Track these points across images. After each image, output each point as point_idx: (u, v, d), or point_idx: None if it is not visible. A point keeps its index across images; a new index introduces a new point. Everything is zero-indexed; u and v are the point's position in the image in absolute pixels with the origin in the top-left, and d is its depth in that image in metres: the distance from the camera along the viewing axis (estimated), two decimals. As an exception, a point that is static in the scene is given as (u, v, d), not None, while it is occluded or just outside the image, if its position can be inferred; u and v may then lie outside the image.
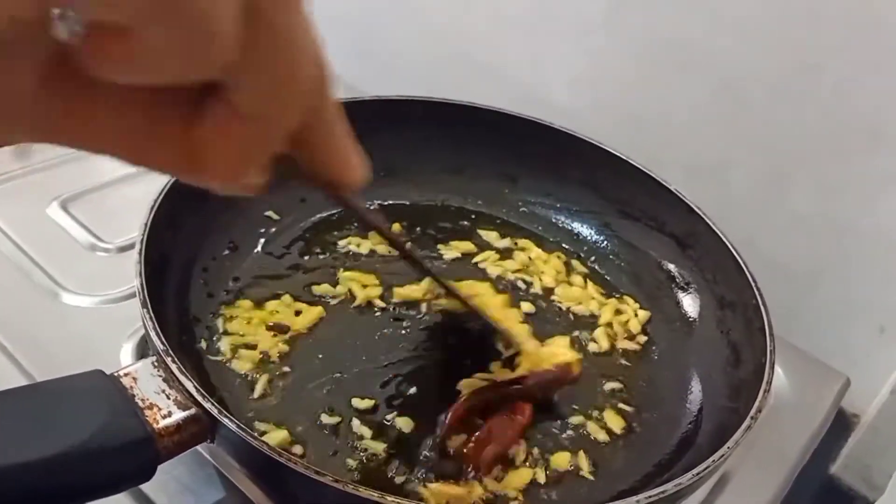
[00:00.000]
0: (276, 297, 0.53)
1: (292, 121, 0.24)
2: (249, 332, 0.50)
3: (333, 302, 0.54)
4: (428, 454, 0.45)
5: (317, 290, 0.54)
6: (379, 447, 0.45)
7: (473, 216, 0.64)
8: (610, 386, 0.52)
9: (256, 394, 0.46)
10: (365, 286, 0.55)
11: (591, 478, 0.46)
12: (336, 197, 0.33)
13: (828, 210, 0.65)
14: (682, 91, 0.70)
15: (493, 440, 0.45)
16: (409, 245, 0.42)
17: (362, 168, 0.28)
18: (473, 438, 0.45)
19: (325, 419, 0.46)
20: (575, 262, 0.61)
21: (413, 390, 0.48)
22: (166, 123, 0.22)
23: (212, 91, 0.22)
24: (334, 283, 0.55)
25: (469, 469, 0.44)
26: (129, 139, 0.22)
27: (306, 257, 0.57)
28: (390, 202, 0.63)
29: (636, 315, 0.57)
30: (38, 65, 0.19)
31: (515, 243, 0.62)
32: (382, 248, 0.59)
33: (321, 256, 0.57)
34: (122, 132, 0.22)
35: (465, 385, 0.48)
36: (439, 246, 0.60)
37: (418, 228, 0.61)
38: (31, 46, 0.19)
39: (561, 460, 0.46)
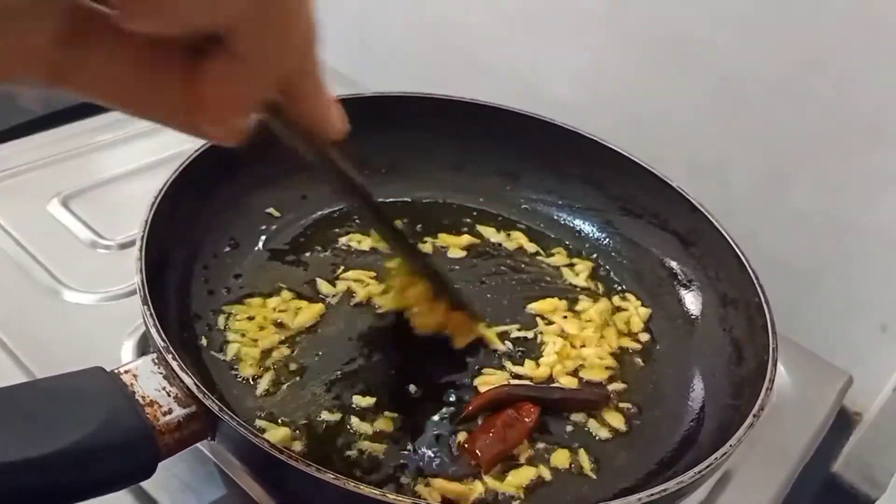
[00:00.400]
0: (277, 294, 0.53)
1: (284, 68, 0.27)
2: (250, 329, 0.50)
3: (334, 300, 0.53)
4: (429, 451, 0.45)
5: (317, 287, 0.54)
6: (380, 445, 0.45)
7: (475, 213, 0.63)
8: (612, 384, 0.52)
9: (258, 391, 0.46)
10: (366, 284, 0.55)
11: (592, 476, 0.46)
12: (315, 148, 0.35)
13: (829, 208, 0.65)
14: (683, 88, 0.69)
15: (499, 439, 0.45)
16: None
17: (341, 119, 0.31)
18: (479, 435, 0.45)
19: (326, 416, 0.46)
20: (577, 260, 0.61)
21: (413, 388, 0.48)
22: (168, 73, 0.25)
23: (212, 41, 0.24)
24: (334, 281, 0.55)
25: (472, 465, 0.44)
26: (133, 89, 0.25)
27: (307, 254, 0.57)
28: (391, 199, 0.62)
29: (638, 312, 0.57)
30: (54, 22, 0.21)
31: (509, 235, 0.62)
32: (384, 245, 0.58)
33: (322, 254, 0.57)
34: (127, 83, 0.25)
35: (485, 382, 0.49)
36: (440, 236, 0.61)
37: (419, 226, 0.61)
38: (51, 7, 0.22)
39: (562, 458, 0.46)
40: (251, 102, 0.27)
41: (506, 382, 0.49)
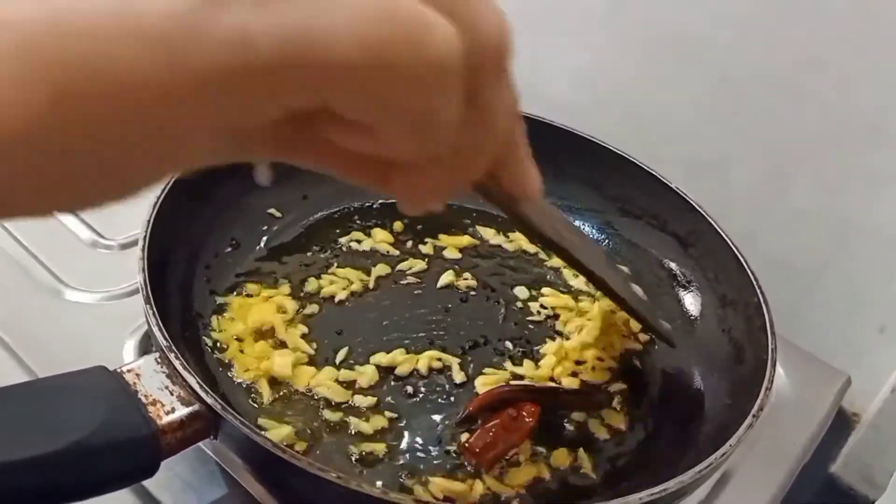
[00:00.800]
0: (278, 294, 0.53)
1: (486, 165, 0.27)
2: (251, 327, 0.50)
3: (337, 297, 0.54)
4: (430, 451, 0.45)
5: (310, 286, 0.54)
6: (380, 445, 0.45)
7: (474, 214, 0.64)
8: (613, 384, 0.52)
9: (260, 390, 0.47)
10: (349, 284, 0.55)
11: (593, 475, 0.46)
12: (513, 210, 0.36)
13: (829, 208, 0.65)
14: (683, 88, 0.70)
15: (500, 439, 0.45)
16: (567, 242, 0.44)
17: (539, 182, 0.32)
18: (480, 435, 0.45)
19: (328, 416, 0.46)
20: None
21: (411, 388, 0.49)
22: (378, 162, 0.26)
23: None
24: (331, 280, 0.55)
25: (472, 464, 0.44)
26: (345, 169, 0.27)
27: (308, 254, 0.57)
28: (392, 201, 0.62)
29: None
30: (283, 117, 0.22)
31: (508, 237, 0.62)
32: (384, 246, 0.59)
33: (322, 254, 0.57)
34: (341, 165, 0.27)
35: (484, 383, 0.49)
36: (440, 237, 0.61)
37: (419, 227, 0.61)
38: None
39: (563, 457, 0.46)
40: (449, 194, 0.28)
41: (505, 383, 0.49)
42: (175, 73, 0.20)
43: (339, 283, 0.55)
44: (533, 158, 0.31)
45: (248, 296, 0.52)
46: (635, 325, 0.56)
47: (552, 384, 0.51)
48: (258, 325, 0.50)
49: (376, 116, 0.22)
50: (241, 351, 0.49)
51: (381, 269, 0.56)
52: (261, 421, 0.45)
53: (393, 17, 0.21)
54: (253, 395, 0.46)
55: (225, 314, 0.51)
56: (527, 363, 0.51)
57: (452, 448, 0.45)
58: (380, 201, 0.62)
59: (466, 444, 0.45)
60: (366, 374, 0.48)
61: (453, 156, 0.25)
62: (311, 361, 0.49)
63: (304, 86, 0.21)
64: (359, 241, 0.59)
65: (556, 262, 0.61)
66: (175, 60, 0.19)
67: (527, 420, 0.46)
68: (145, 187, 0.23)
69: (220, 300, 0.51)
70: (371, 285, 0.55)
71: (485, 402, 0.47)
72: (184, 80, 0.20)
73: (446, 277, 0.57)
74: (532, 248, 0.61)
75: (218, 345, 0.49)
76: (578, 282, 0.59)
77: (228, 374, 0.47)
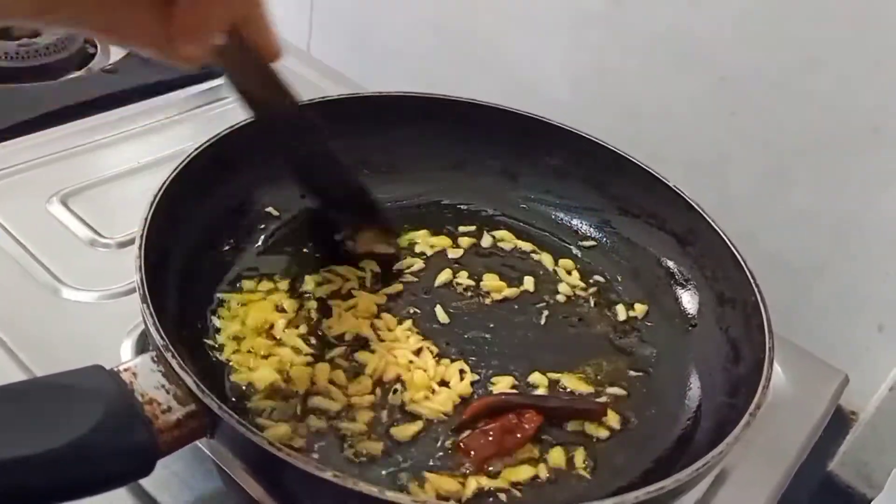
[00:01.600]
0: (277, 292, 0.53)
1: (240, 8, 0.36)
2: (249, 327, 0.50)
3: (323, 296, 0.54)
4: (426, 450, 0.45)
5: (308, 285, 0.54)
6: (378, 444, 0.45)
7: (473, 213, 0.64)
8: (610, 387, 0.52)
9: (257, 388, 0.47)
10: (347, 280, 0.55)
11: (589, 474, 0.46)
12: (261, 67, 0.43)
13: (828, 207, 0.65)
14: (683, 87, 0.70)
15: (496, 442, 0.45)
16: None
17: (280, 43, 0.41)
18: (477, 436, 0.45)
19: (324, 414, 0.46)
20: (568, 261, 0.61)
21: (400, 387, 0.48)
22: (146, 7, 0.31)
23: None
24: (328, 279, 0.55)
25: (464, 463, 0.44)
26: (116, 21, 0.31)
27: (305, 252, 0.57)
28: (389, 198, 0.62)
29: (632, 308, 0.58)
30: None
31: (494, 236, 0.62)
32: (381, 247, 0.59)
33: (317, 255, 0.57)
34: (109, 17, 0.30)
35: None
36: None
37: (421, 227, 0.61)
38: None
39: (559, 457, 0.46)
40: (218, 24, 0.34)
41: (508, 390, 0.49)
42: None
43: (336, 281, 0.55)
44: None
45: (249, 292, 0.52)
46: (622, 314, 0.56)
47: (548, 395, 0.50)
48: (258, 324, 0.50)
49: None
50: (239, 349, 0.49)
51: (378, 267, 0.56)
52: (259, 420, 0.45)
53: None
54: (250, 393, 0.46)
55: (223, 313, 0.51)
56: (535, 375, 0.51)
57: (449, 447, 0.45)
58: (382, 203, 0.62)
59: (461, 444, 0.45)
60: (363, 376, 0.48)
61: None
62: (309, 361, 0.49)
63: None
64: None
65: (551, 260, 0.61)
66: None
67: (526, 427, 0.46)
68: None
69: (217, 299, 0.51)
70: (368, 283, 0.55)
71: (480, 409, 0.46)
72: None
73: (443, 276, 0.57)
74: (528, 247, 0.61)
75: (216, 344, 0.49)
76: (573, 278, 0.59)
77: (225, 372, 0.47)
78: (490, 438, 0.45)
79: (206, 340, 0.49)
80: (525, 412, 0.47)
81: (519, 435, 0.46)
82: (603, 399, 0.50)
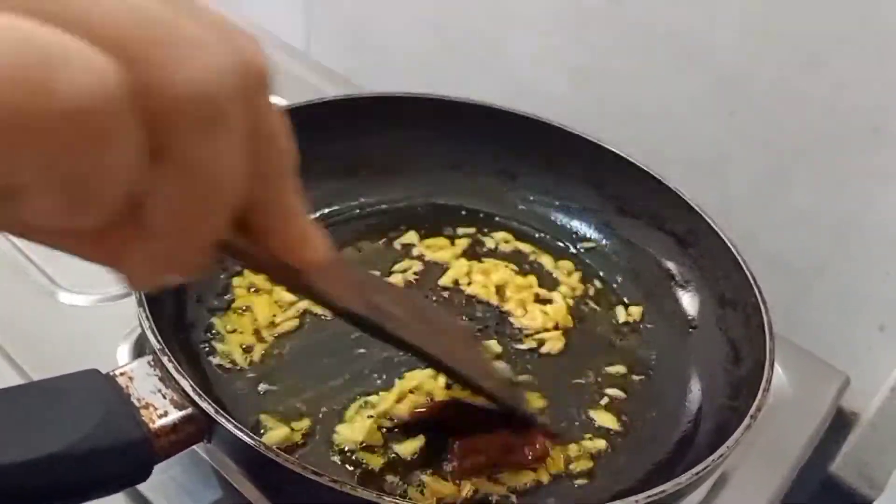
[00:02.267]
0: (273, 294, 0.52)
1: (211, 234, 0.22)
2: (246, 331, 0.50)
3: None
4: (426, 453, 0.45)
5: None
6: (377, 459, 0.44)
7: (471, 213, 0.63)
8: (610, 389, 0.51)
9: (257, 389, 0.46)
10: None
11: (590, 478, 0.46)
12: (297, 282, 0.29)
13: (828, 207, 0.65)
14: (682, 86, 0.69)
15: (487, 458, 0.44)
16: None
17: (321, 247, 0.26)
18: (474, 445, 0.44)
19: (321, 420, 0.46)
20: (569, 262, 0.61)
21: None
22: (84, 234, 0.22)
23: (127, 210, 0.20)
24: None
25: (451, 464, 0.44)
26: (58, 244, 0.23)
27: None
28: (387, 199, 0.62)
29: (632, 309, 0.57)
30: None
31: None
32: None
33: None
34: (46, 238, 0.23)
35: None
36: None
37: (416, 230, 0.61)
38: None
39: (559, 461, 0.46)
40: (178, 267, 0.23)
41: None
42: None
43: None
44: (308, 220, 0.25)
45: (254, 291, 0.52)
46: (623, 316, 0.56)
47: (470, 400, 0.46)
48: (261, 323, 0.50)
49: (12, 181, 0.18)
50: (241, 347, 0.48)
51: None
52: (261, 416, 0.45)
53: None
54: (248, 394, 0.46)
55: (220, 316, 0.50)
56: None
57: (445, 451, 0.45)
58: (378, 205, 0.62)
59: (455, 447, 0.44)
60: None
61: (157, 224, 0.21)
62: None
63: None
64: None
65: (552, 261, 0.60)
66: None
67: (528, 455, 0.44)
68: None
69: (215, 302, 0.51)
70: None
71: (427, 414, 0.45)
72: None
73: (444, 279, 0.57)
74: (527, 248, 0.61)
75: (213, 347, 0.48)
76: (573, 279, 0.59)
77: (222, 376, 0.47)
78: (484, 456, 0.44)
79: (202, 344, 0.48)
80: (536, 438, 0.45)
81: (517, 460, 0.44)
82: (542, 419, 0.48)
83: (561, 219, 0.64)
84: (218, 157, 0.20)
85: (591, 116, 0.65)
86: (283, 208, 0.24)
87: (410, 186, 0.63)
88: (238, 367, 0.48)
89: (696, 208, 0.57)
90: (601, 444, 0.48)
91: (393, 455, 0.44)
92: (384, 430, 0.45)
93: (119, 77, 0.17)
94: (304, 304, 0.52)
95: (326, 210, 0.60)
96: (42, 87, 0.16)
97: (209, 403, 0.37)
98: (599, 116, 0.70)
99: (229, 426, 0.36)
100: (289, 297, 0.52)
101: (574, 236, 0.63)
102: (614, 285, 0.59)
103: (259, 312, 0.51)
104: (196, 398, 0.37)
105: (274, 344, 0.50)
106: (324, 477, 0.35)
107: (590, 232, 0.63)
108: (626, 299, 0.58)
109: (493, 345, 0.52)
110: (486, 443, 0.44)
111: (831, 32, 0.60)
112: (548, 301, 0.56)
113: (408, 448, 0.45)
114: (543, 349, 0.53)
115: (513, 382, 0.49)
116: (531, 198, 0.64)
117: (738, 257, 0.53)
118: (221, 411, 0.37)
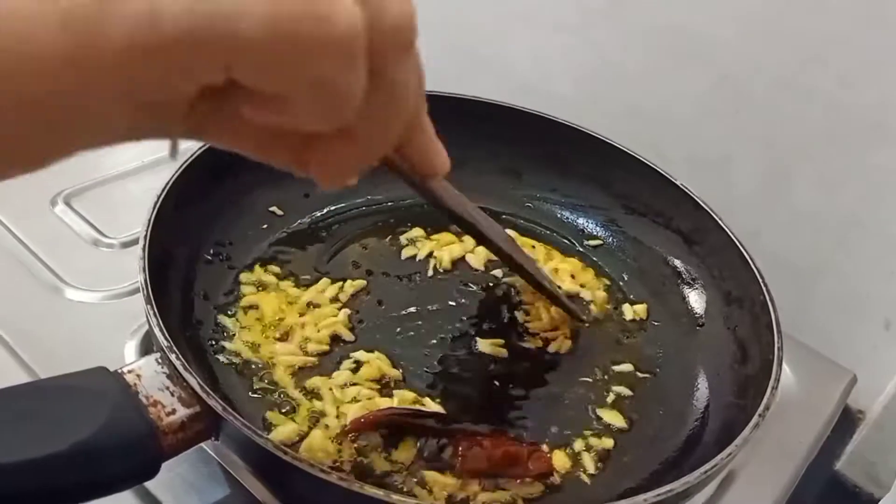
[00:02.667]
0: (280, 291, 0.52)
1: (395, 139, 0.28)
2: (254, 328, 0.50)
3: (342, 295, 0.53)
4: (433, 452, 0.45)
5: (315, 283, 0.54)
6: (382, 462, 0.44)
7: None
8: (617, 386, 0.51)
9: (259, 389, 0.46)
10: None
11: (597, 477, 0.46)
12: (423, 186, 0.40)
13: (832, 205, 0.65)
14: (685, 84, 0.69)
15: (488, 466, 0.43)
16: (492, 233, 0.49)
17: (445, 159, 0.35)
18: (479, 449, 0.44)
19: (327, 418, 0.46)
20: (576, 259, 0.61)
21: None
22: (290, 139, 0.27)
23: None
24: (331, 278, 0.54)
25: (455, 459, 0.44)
26: (260, 147, 0.28)
27: (309, 250, 0.57)
28: (391, 198, 0.62)
29: (639, 307, 0.57)
30: (196, 92, 0.23)
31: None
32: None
33: (325, 254, 0.57)
34: (255, 142, 0.28)
35: None
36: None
37: (422, 227, 0.61)
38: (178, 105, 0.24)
39: (566, 459, 0.46)
40: (362, 169, 0.29)
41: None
42: (87, 51, 0.20)
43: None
44: (440, 139, 0.33)
45: (261, 288, 0.52)
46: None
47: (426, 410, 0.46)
48: (270, 321, 0.50)
49: (282, 88, 0.23)
50: (249, 347, 0.48)
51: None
52: (269, 414, 0.45)
53: None
54: (256, 395, 0.46)
55: (228, 313, 0.50)
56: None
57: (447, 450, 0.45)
58: (385, 202, 0.62)
59: (460, 449, 0.44)
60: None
61: (362, 129, 0.26)
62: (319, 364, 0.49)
63: (212, 61, 0.22)
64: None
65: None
66: (85, 40, 0.20)
67: (529, 468, 0.44)
68: (59, 160, 0.24)
69: (222, 299, 0.51)
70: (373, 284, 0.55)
71: (367, 424, 0.44)
72: (96, 57, 0.21)
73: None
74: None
75: (221, 345, 0.48)
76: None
77: (230, 373, 0.47)
78: (488, 456, 0.43)
79: (209, 341, 0.48)
80: (541, 455, 0.45)
81: (517, 471, 0.44)
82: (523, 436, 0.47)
83: (567, 216, 0.64)
84: (410, 76, 0.27)
85: (592, 115, 0.65)
86: (424, 124, 0.32)
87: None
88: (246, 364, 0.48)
89: (704, 205, 0.57)
90: (608, 441, 0.47)
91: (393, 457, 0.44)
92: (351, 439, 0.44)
93: (364, 18, 0.23)
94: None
95: (333, 207, 0.60)
96: (327, 19, 0.22)
97: (217, 401, 0.37)
98: (601, 115, 0.69)
99: (237, 423, 0.36)
100: (295, 293, 0.52)
101: (580, 234, 0.63)
102: (621, 283, 0.59)
103: (266, 310, 0.51)
104: (204, 396, 0.37)
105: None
106: (332, 475, 0.35)
107: (596, 230, 0.63)
108: (632, 297, 0.58)
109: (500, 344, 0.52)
110: (490, 450, 0.44)
111: (835, 31, 0.60)
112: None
113: (402, 454, 0.44)
114: (551, 348, 0.53)
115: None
116: (537, 195, 0.64)
117: (746, 255, 0.53)
118: (229, 409, 0.37)
